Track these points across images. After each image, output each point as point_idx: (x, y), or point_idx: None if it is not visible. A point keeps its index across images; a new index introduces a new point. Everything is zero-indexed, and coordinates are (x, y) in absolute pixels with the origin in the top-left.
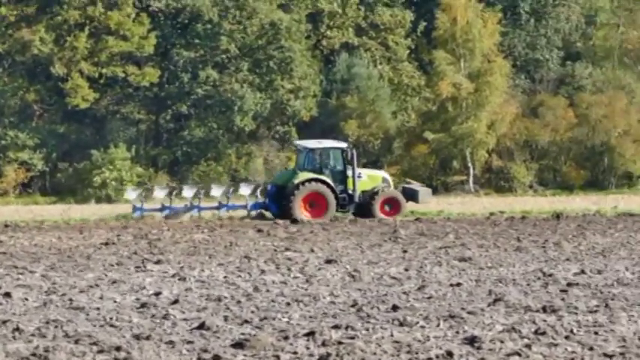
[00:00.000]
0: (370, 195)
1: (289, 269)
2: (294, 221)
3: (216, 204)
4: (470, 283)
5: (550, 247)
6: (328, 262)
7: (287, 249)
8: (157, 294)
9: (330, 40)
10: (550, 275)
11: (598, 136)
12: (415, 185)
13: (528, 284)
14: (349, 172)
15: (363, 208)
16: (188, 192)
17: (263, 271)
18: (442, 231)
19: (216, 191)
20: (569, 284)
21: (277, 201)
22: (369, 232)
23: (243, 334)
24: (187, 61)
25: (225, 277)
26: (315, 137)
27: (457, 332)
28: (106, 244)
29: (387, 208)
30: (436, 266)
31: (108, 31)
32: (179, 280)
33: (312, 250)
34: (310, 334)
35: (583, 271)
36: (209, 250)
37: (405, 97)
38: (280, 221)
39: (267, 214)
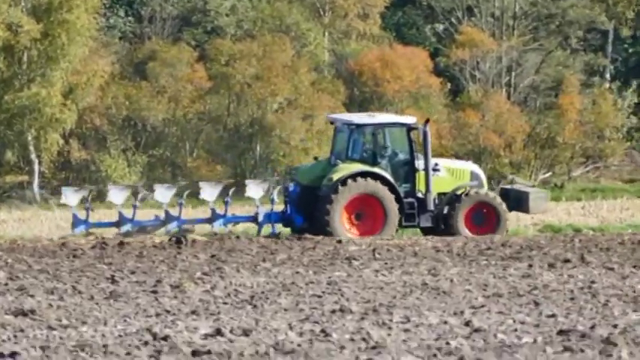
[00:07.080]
0: (451, 200)
1: None
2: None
3: (206, 214)
4: (32, 353)
5: (165, 293)
6: None
7: None
8: None
9: None
10: (165, 338)
11: (245, 110)
12: (522, 185)
13: (129, 353)
14: (419, 164)
15: (440, 220)
16: (161, 194)
17: None
18: None
19: (208, 193)
20: (195, 353)
21: (304, 209)
22: None
23: None
24: None
25: None
26: None
27: None
28: None
29: (476, 221)
30: None
31: None
32: None
33: None
34: None
35: (219, 332)
36: None
37: None
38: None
39: (285, 229)
